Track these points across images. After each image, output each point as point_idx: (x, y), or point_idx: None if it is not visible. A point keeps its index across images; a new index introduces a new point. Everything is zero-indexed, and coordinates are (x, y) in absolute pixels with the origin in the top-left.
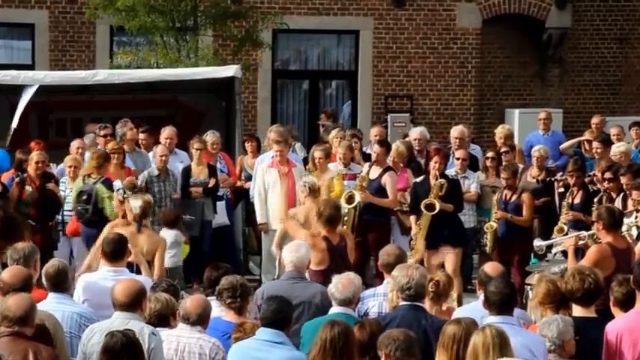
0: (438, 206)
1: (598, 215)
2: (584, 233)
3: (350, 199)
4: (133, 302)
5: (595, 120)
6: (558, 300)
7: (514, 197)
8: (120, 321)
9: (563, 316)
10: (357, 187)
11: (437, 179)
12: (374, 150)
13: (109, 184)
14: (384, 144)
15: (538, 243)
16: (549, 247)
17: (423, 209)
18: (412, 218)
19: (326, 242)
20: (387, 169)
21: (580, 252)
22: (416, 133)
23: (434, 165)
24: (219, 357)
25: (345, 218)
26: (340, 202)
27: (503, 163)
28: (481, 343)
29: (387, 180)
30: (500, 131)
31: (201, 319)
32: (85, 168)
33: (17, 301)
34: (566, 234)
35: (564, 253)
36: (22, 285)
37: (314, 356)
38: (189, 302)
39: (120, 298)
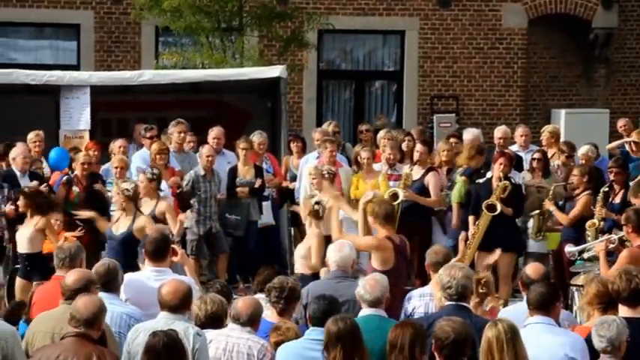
0: (499, 208)
1: (626, 218)
2: (614, 237)
3: (393, 197)
4: (181, 304)
5: (621, 123)
6: (607, 301)
7: (577, 198)
8: (165, 321)
9: (620, 317)
10: (401, 186)
11: (500, 181)
12: (416, 149)
13: (469, 173)
14: (427, 143)
15: (569, 249)
16: (581, 252)
17: (484, 209)
18: (471, 218)
19: (390, 243)
20: (429, 169)
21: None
22: (472, 134)
23: (499, 167)
24: (267, 359)
25: None
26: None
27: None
28: (495, 338)
29: (430, 180)
30: (548, 131)
31: (251, 320)
32: (461, 159)
33: (86, 302)
34: (601, 231)
35: (596, 257)
36: (83, 287)
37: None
38: (241, 303)
39: (167, 299)
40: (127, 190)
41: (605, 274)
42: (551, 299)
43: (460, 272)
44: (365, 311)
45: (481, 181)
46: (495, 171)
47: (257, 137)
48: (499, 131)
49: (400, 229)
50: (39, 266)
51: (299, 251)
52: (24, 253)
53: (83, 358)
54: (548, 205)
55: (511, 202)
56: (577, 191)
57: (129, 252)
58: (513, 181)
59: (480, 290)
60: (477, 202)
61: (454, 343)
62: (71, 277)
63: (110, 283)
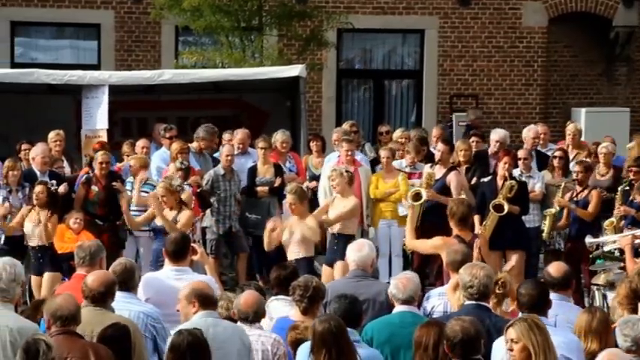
0: (506, 208)
1: None
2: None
3: (416, 197)
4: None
5: None
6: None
7: (584, 194)
8: (201, 320)
9: None
10: (424, 185)
11: (505, 180)
12: (437, 149)
13: None
14: (448, 143)
15: (590, 240)
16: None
17: (491, 209)
18: (476, 218)
19: (459, 242)
20: (451, 169)
21: None
22: (498, 135)
23: (503, 166)
24: (281, 352)
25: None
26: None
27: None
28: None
29: (451, 179)
30: (577, 128)
31: (257, 316)
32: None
33: (67, 299)
34: (620, 230)
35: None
36: (108, 290)
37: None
38: (243, 301)
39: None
40: (179, 186)
41: (630, 269)
42: (542, 299)
43: (482, 271)
44: (398, 308)
45: (485, 180)
46: (500, 170)
47: (280, 136)
48: (531, 131)
49: (422, 229)
50: (51, 258)
51: (284, 237)
52: (36, 246)
53: (80, 353)
54: (564, 203)
55: (517, 200)
56: (581, 186)
57: None
58: (518, 179)
59: (498, 291)
60: (481, 202)
61: (462, 342)
62: (94, 280)
63: (127, 282)
